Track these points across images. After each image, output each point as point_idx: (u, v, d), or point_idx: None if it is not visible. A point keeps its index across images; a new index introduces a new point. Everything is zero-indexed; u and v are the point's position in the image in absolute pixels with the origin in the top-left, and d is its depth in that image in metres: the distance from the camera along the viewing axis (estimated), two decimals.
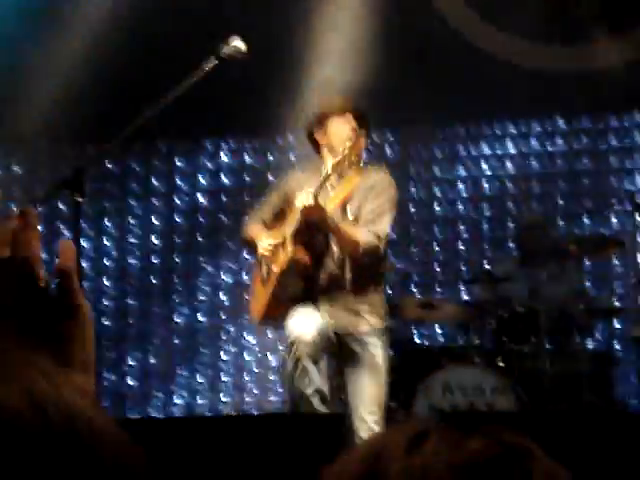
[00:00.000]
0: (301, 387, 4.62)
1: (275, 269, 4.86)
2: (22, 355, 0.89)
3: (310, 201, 4.57)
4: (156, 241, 8.48)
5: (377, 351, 4.82)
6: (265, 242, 4.91)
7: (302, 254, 4.77)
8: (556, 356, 6.24)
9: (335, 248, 4.78)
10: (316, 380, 4.62)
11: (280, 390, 8.14)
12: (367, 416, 4.72)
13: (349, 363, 4.84)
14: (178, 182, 8.53)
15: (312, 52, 7.41)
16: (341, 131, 4.78)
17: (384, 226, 4.78)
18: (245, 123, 7.98)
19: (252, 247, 5.10)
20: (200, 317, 8.39)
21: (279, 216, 4.99)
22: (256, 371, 8.27)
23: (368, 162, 5.13)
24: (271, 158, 8.44)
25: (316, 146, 4.95)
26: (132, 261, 8.51)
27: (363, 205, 4.81)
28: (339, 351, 4.84)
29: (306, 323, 4.70)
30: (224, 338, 8.31)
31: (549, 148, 8.13)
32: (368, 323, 4.83)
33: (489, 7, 7.59)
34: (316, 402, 4.62)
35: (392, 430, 1.02)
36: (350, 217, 4.79)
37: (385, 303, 5.00)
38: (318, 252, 4.80)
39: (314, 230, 4.75)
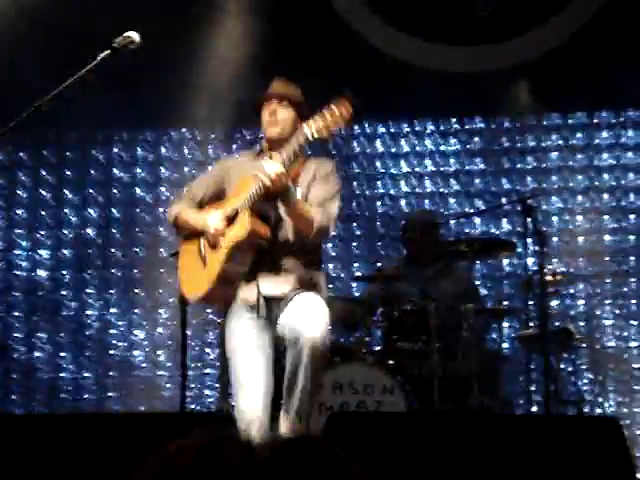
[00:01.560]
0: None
1: (226, 243, 4.71)
2: None
3: (280, 169, 4.46)
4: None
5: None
6: (216, 216, 4.77)
7: (262, 226, 4.64)
8: (445, 355, 6.27)
9: (287, 223, 4.69)
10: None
11: (168, 385, 8.08)
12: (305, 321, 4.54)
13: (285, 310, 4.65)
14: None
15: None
16: (264, 116, 4.84)
17: (334, 209, 4.74)
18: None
19: (183, 227, 4.95)
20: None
21: (214, 198, 4.90)
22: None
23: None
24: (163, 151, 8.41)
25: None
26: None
27: (312, 185, 4.77)
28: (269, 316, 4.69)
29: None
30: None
31: (442, 148, 8.20)
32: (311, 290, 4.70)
33: (389, 9, 7.63)
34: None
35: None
36: (298, 195, 4.70)
37: (326, 281, 4.88)
38: (272, 226, 4.69)
39: (272, 201, 4.63)
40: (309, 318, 4.50)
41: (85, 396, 8.22)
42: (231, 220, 4.71)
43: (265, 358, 4.67)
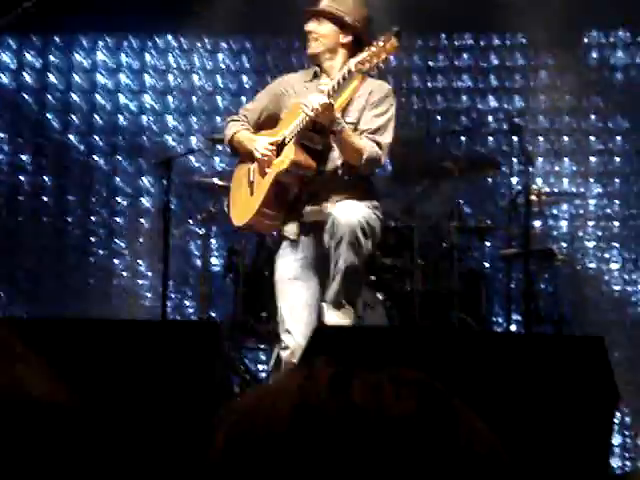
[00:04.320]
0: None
1: (272, 172, 4.67)
2: None
3: (325, 100, 4.41)
4: None
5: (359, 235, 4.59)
6: (264, 142, 4.73)
7: (306, 156, 4.59)
8: (427, 273, 6.28)
9: (335, 154, 4.64)
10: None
11: (148, 295, 8.07)
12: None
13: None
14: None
15: None
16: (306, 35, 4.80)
17: (386, 138, 4.69)
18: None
19: (239, 151, 4.90)
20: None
21: (269, 119, 4.85)
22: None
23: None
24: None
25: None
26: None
27: (363, 113, 4.69)
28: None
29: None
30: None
31: (430, 63, 8.11)
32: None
33: None
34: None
35: (308, 368, 0.97)
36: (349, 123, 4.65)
37: (378, 209, 4.80)
38: (319, 156, 4.64)
39: (319, 132, 4.58)
40: (346, 209, 4.50)
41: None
42: (280, 148, 4.66)
43: (308, 292, 4.67)
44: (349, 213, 4.49)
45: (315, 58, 4.78)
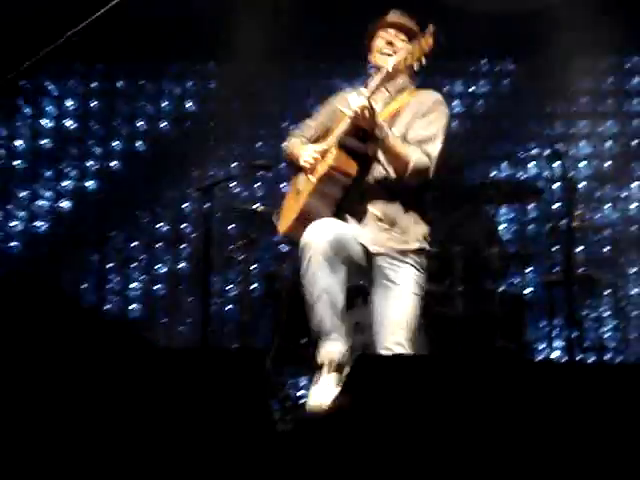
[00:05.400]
0: (310, 287, 4.31)
1: (314, 178, 4.55)
2: None
3: (363, 102, 4.31)
4: None
5: (408, 272, 4.50)
6: (309, 150, 4.65)
7: (346, 162, 4.45)
8: (469, 299, 6.25)
9: (381, 161, 4.47)
10: (323, 282, 4.27)
11: (188, 320, 8.07)
12: (389, 342, 4.44)
13: (377, 283, 4.49)
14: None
15: None
16: (378, 46, 4.64)
17: (436, 147, 4.49)
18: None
19: (293, 162, 4.80)
20: None
21: (325, 134, 4.73)
22: None
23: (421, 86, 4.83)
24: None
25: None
26: None
27: (412, 123, 4.54)
28: (369, 270, 4.49)
29: (322, 230, 4.32)
30: None
31: (471, 89, 8.10)
32: (403, 242, 4.51)
33: None
34: (323, 304, 4.29)
35: None
36: (397, 133, 4.49)
37: (426, 226, 4.62)
38: (363, 162, 4.46)
39: (362, 137, 4.44)
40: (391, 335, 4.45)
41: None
42: (324, 155, 4.60)
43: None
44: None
45: (394, 73, 4.52)
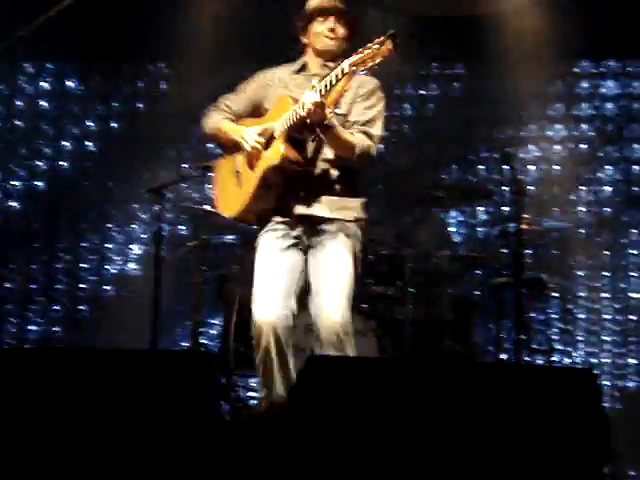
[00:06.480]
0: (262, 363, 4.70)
1: (260, 166, 4.70)
2: None
3: (316, 99, 4.45)
4: None
5: (346, 243, 4.69)
6: (253, 134, 4.76)
7: (294, 153, 4.62)
8: (419, 301, 6.28)
9: (325, 150, 4.68)
10: (276, 364, 4.67)
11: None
12: (326, 298, 4.62)
13: (315, 250, 4.70)
14: None
15: None
16: (318, 29, 4.84)
17: (376, 131, 4.75)
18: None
19: (221, 139, 4.93)
20: None
21: (252, 110, 4.90)
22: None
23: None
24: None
25: (302, 46, 4.98)
26: None
27: (354, 105, 4.76)
28: (307, 242, 4.72)
29: (273, 317, 4.66)
30: None
31: (422, 92, 8.13)
32: (344, 215, 4.72)
33: None
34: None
35: None
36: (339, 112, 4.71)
37: (364, 207, 4.84)
38: (308, 152, 4.67)
39: (309, 129, 4.60)
40: (328, 298, 4.58)
41: (54, 328, 8.19)
42: (268, 141, 4.69)
43: (288, 265, 4.68)
44: (331, 309, 4.58)
45: (325, 54, 4.80)
